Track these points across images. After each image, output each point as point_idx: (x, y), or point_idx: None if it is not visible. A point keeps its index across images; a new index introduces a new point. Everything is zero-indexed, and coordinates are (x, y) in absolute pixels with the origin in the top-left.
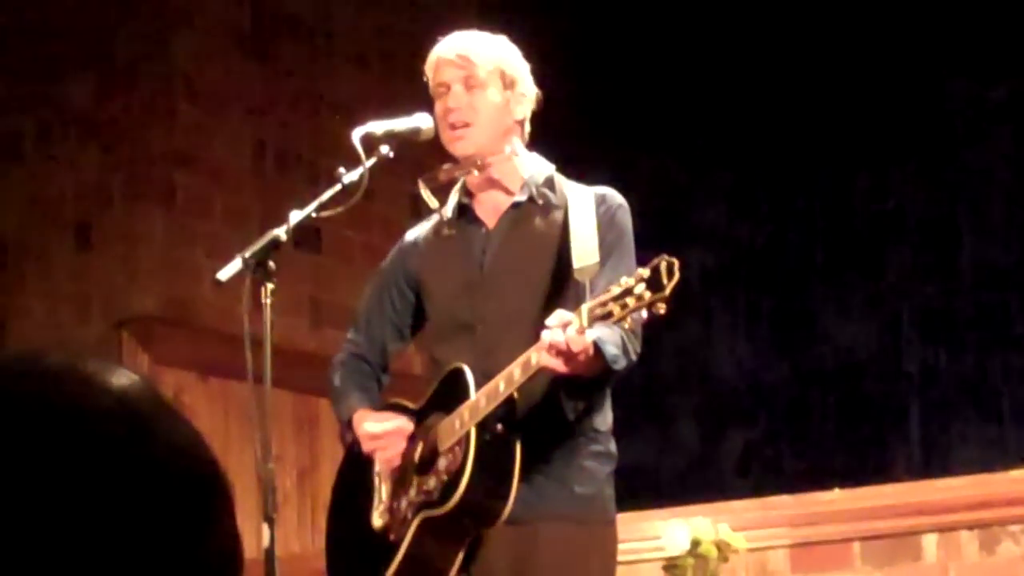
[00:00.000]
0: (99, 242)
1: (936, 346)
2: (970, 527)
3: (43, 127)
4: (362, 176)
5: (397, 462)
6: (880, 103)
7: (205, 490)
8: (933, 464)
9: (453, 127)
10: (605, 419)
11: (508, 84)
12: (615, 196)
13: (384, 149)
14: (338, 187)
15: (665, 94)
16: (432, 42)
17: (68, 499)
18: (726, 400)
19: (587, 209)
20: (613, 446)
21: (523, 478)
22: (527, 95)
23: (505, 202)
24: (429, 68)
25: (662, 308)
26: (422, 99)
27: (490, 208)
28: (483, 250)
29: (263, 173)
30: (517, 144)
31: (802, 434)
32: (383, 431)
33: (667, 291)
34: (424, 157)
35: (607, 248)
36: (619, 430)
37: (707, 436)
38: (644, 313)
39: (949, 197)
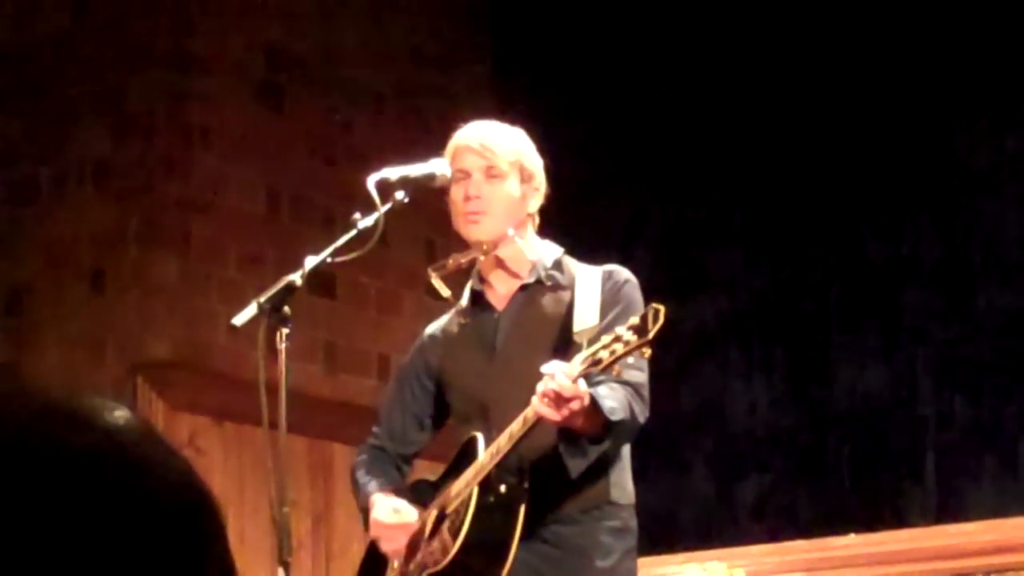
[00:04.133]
0: (114, 288)
1: (952, 391)
2: (986, 572)
3: (59, 173)
4: (377, 222)
5: (400, 554)
6: (895, 149)
7: (197, 521)
8: (948, 510)
9: (470, 213)
10: (624, 492)
11: (526, 178)
12: (622, 272)
13: (399, 195)
14: (353, 233)
15: (680, 142)
16: (446, 88)
17: (51, 536)
18: (741, 445)
19: (593, 285)
20: (634, 523)
21: (534, 549)
22: (541, 190)
23: (515, 285)
24: (448, 154)
25: (647, 352)
26: (436, 146)
27: (501, 292)
28: (494, 333)
29: (278, 219)
30: (528, 231)
31: (818, 479)
32: (388, 524)
33: (650, 335)
34: (439, 203)
35: (610, 313)
36: (634, 476)
37: (723, 481)
38: (635, 372)
39: (964, 243)
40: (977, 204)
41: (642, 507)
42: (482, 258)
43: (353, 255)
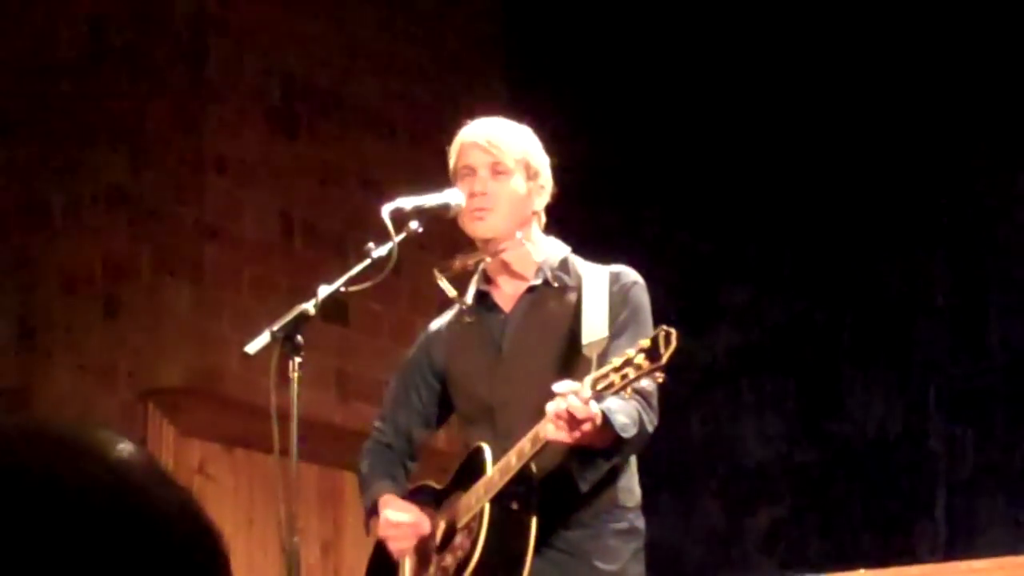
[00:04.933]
0: (126, 313)
1: (963, 426)
2: None
3: (72, 198)
4: (391, 251)
5: (407, 555)
6: (909, 184)
7: (201, 555)
8: (959, 545)
9: (476, 210)
10: (631, 494)
11: (532, 175)
12: (629, 273)
13: (413, 224)
14: (367, 262)
15: (692, 173)
16: (460, 116)
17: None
18: (752, 478)
19: (600, 288)
20: (641, 522)
21: (544, 555)
22: (547, 188)
23: (521, 287)
24: (453, 151)
25: (660, 377)
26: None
27: (507, 293)
28: (501, 334)
29: (291, 246)
30: (533, 230)
31: (828, 513)
32: (398, 522)
33: (663, 359)
34: (453, 232)
35: (620, 324)
36: (644, 508)
37: (733, 515)
38: (645, 382)
39: (977, 278)
40: (990, 239)
41: (652, 540)
42: (488, 260)
43: (367, 284)
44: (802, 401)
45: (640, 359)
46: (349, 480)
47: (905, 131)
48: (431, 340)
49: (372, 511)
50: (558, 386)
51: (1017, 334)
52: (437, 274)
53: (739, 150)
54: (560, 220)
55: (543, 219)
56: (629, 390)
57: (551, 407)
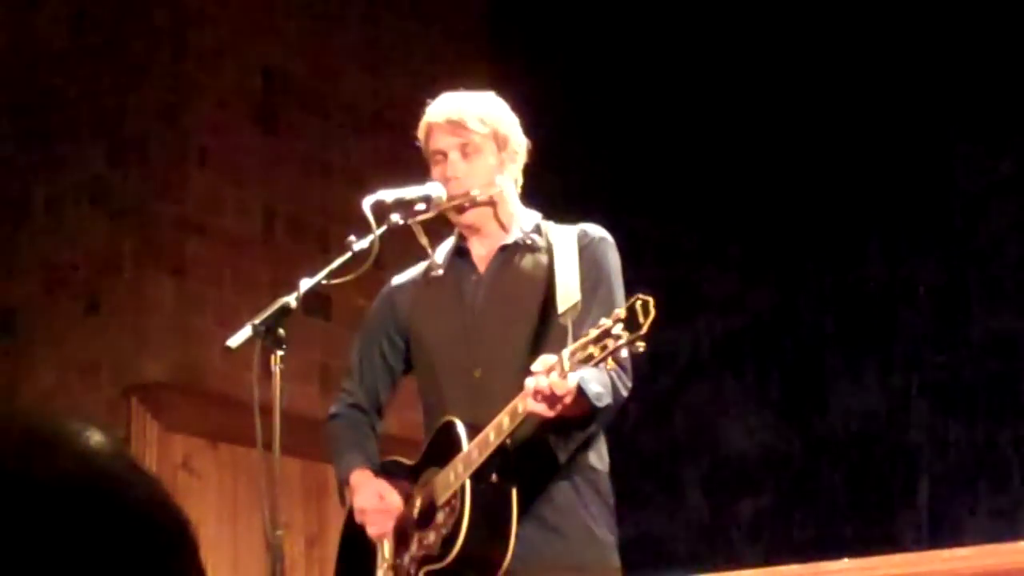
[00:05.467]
0: (109, 309)
1: (946, 416)
2: None
3: (54, 193)
4: (372, 244)
5: (386, 537)
6: (890, 173)
7: (171, 544)
8: (942, 534)
9: (453, 197)
10: (601, 456)
11: (502, 144)
12: (596, 230)
13: (394, 217)
14: (348, 255)
15: (674, 163)
16: None
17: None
18: (736, 469)
19: (570, 248)
20: (610, 486)
21: (522, 526)
22: (519, 151)
23: (494, 247)
24: (422, 133)
25: (641, 346)
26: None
27: (481, 255)
28: (473, 293)
29: (274, 241)
30: (509, 195)
31: (812, 503)
32: (372, 508)
33: (644, 329)
34: (434, 223)
35: (590, 285)
36: (629, 500)
37: (717, 505)
38: (625, 352)
39: (959, 267)
40: (971, 227)
41: (637, 531)
42: (463, 215)
43: (348, 277)
44: (785, 392)
45: (618, 329)
46: (333, 474)
47: (886, 120)
48: (393, 294)
49: (345, 485)
50: (537, 364)
51: (999, 323)
52: (412, 223)
53: (722, 140)
54: (541, 208)
55: (520, 182)
56: (609, 361)
57: (530, 383)
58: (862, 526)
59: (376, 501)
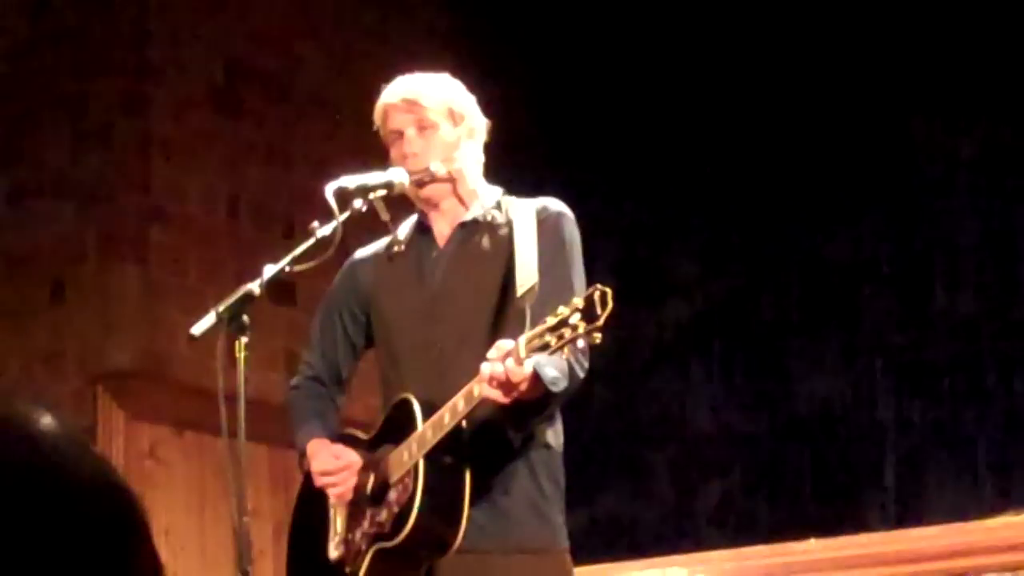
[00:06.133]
0: (74, 298)
1: (910, 396)
2: None
3: (17, 183)
4: (335, 230)
5: (348, 497)
6: (851, 155)
7: (122, 523)
8: (908, 514)
9: (413, 173)
10: (557, 434)
11: (458, 120)
12: (555, 204)
13: (357, 203)
14: (312, 241)
15: (637, 147)
16: None
17: None
18: (701, 451)
19: (529, 224)
20: (561, 465)
21: (474, 506)
22: (477, 128)
23: (455, 222)
24: (378, 116)
25: (597, 337)
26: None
27: (443, 230)
28: (433, 269)
29: (238, 228)
30: (470, 172)
31: (777, 485)
32: (333, 468)
33: (600, 321)
34: (399, 209)
35: (547, 260)
36: (595, 483)
37: (683, 487)
38: (581, 342)
39: (921, 247)
40: (933, 209)
41: (604, 514)
42: (425, 190)
43: (312, 263)
44: (750, 374)
45: (576, 319)
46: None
47: (847, 103)
48: (356, 269)
49: (303, 452)
50: (493, 350)
51: (962, 302)
52: (376, 201)
53: (683, 123)
54: (506, 192)
55: (482, 160)
56: (566, 350)
57: (486, 369)
58: (828, 506)
59: (333, 461)
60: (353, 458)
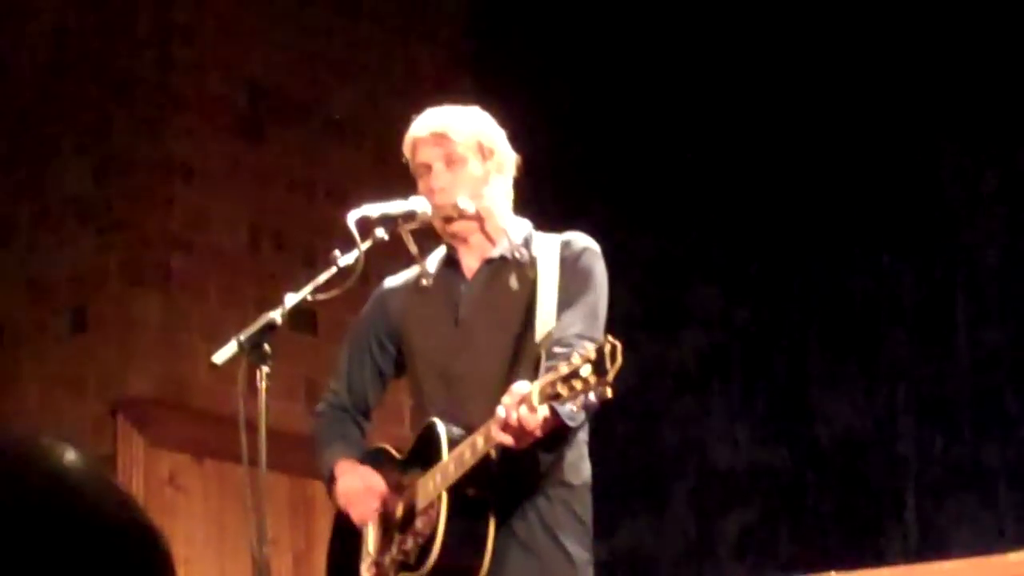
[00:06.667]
0: (95, 325)
1: (932, 429)
2: None
3: (40, 209)
4: (357, 259)
5: (368, 520)
6: (875, 187)
7: (144, 559)
8: (929, 547)
9: (439, 207)
10: (578, 472)
11: (487, 155)
12: (579, 240)
13: (379, 232)
14: (333, 270)
15: (660, 177)
16: None
17: None
18: (722, 483)
19: (552, 263)
20: (588, 502)
21: (497, 541)
22: (506, 163)
23: (483, 258)
24: (407, 149)
25: (608, 392)
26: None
27: (471, 264)
28: (459, 305)
29: (259, 256)
30: (499, 207)
31: (798, 517)
32: (356, 489)
33: (609, 376)
34: (420, 237)
35: (568, 296)
36: (615, 514)
37: (704, 520)
38: (592, 396)
39: (944, 280)
40: (957, 241)
41: (624, 546)
42: (452, 224)
43: (333, 292)
44: (772, 406)
45: (587, 371)
46: (320, 490)
47: (872, 132)
48: (386, 298)
49: (331, 479)
50: (507, 396)
51: (984, 335)
52: (403, 229)
53: (706, 152)
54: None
55: (511, 195)
56: (578, 403)
57: (501, 413)
58: (849, 539)
59: (358, 484)
60: (376, 481)
